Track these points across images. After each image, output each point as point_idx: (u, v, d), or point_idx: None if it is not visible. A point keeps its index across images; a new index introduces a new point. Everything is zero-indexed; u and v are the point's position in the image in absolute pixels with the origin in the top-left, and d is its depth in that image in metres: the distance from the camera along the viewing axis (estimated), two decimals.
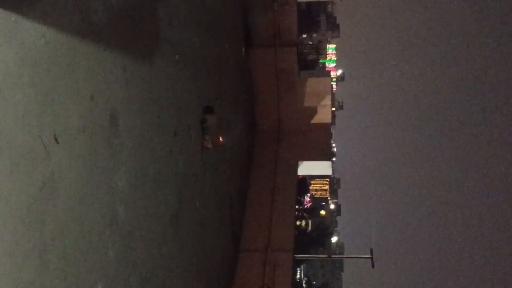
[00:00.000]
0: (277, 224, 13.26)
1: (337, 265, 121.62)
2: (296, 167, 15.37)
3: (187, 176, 8.39)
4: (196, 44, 9.17)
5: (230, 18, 12.73)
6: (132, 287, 5.86)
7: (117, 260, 5.41)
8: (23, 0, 3.77)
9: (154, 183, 6.71)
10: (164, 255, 7.13)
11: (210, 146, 9.39)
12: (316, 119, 15.72)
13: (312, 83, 16.50)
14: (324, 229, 78.54)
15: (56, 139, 4.12)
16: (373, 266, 16.00)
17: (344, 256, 51.46)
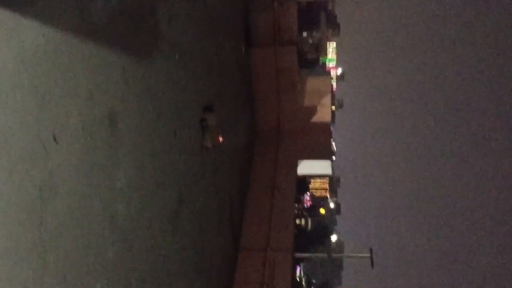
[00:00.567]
0: (277, 223, 13.26)
1: (337, 264, 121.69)
2: (295, 166, 15.36)
3: (186, 176, 8.38)
4: (196, 43, 9.15)
5: (230, 17, 12.71)
6: (131, 287, 5.85)
7: (117, 260, 5.40)
8: None
9: (154, 183, 6.70)
10: (164, 255, 7.12)
11: (209, 145, 9.38)
12: (316, 118, 15.71)
13: (312, 82, 16.49)
14: (323, 228, 78.54)
15: (55, 139, 4.12)
16: (372, 266, 16.01)
17: (344, 255, 51.43)
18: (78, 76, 4.58)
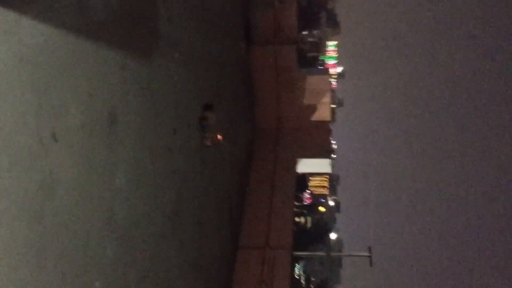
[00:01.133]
0: (276, 221, 13.26)
1: (336, 262, 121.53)
2: (295, 165, 15.37)
3: (186, 174, 8.38)
4: (196, 42, 9.15)
5: (230, 16, 12.70)
6: (130, 285, 5.86)
7: (116, 258, 5.41)
8: None
9: (153, 181, 6.70)
10: (163, 253, 7.13)
11: (209, 143, 9.37)
12: (316, 117, 15.72)
13: (312, 81, 16.49)
14: (323, 226, 78.49)
15: (54, 137, 4.12)
16: (371, 265, 16.02)
17: (343, 254, 51.39)
18: (77, 74, 4.59)
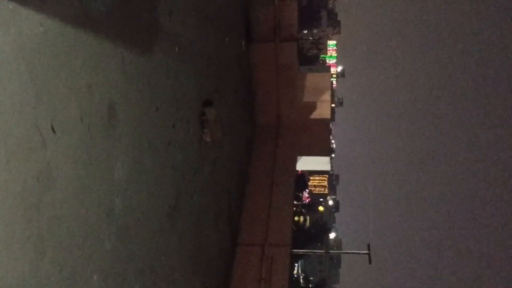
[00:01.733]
0: (275, 219, 13.26)
1: (335, 261, 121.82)
2: (295, 162, 15.36)
3: (185, 169, 8.37)
4: (196, 37, 9.13)
5: (231, 12, 12.68)
6: (128, 279, 5.85)
7: (114, 252, 5.40)
8: None
9: (152, 176, 6.69)
10: (161, 248, 7.12)
11: (208, 139, 9.37)
12: (316, 115, 15.70)
13: (312, 78, 16.48)
14: (322, 225, 78.64)
15: (53, 129, 4.10)
16: (370, 262, 16.01)
17: (342, 251, 51.57)
18: (77, 67, 4.57)
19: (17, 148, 3.65)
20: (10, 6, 3.61)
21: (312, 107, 15.82)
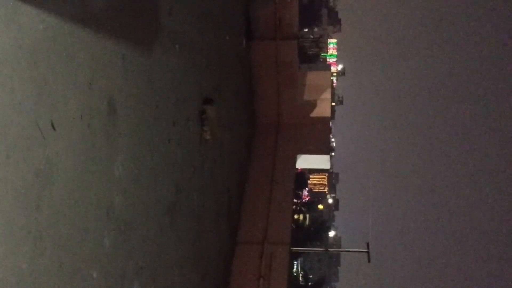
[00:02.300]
0: (275, 217, 13.26)
1: (334, 259, 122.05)
2: (295, 160, 15.36)
3: (185, 167, 8.37)
4: (196, 35, 9.13)
5: (231, 10, 12.68)
6: (127, 277, 5.86)
7: (113, 249, 5.40)
8: None
9: (152, 173, 6.70)
10: (161, 246, 7.13)
11: (208, 137, 9.37)
12: (316, 113, 15.70)
13: (312, 77, 16.49)
14: (321, 224, 78.67)
15: (53, 126, 4.10)
16: (369, 261, 16.04)
17: (341, 249, 51.58)
18: (77, 63, 4.57)
19: (17, 145, 3.65)
20: (11, 3, 3.61)
21: (312, 105, 15.82)
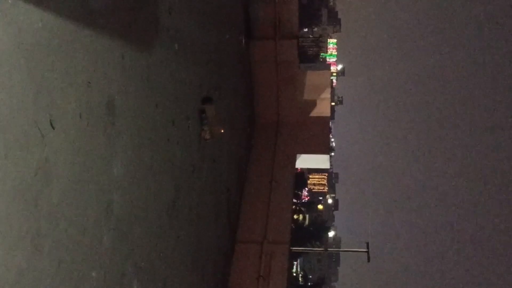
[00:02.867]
0: (274, 216, 13.26)
1: (334, 259, 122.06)
2: (294, 160, 15.36)
3: (184, 166, 8.36)
4: (196, 34, 9.12)
5: (231, 9, 12.67)
6: (127, 276, 5.84)
7: (112, 248, 5.39)
8: None
9: (151, 172, 6.68)
10: (160, 245, 7.12)
11: (208, 137, 9.36)
12: (315, 112, 15.71)
13: (312, 76, 16.49)
14: (321, 224, 78.63)
15: (52, 125, 4.09)
16: (368, 260, 16.04)
17: (340, 249, 51.60)
18: (76, 62, 4.56)
19: (16, 144, 3.64)
20: (10, 1, 3.60)
21: (312, 105, 15.82)
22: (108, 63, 5.28)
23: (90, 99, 4.83)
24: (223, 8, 11.63)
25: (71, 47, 4.46)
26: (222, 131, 10.05)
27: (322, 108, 15.83)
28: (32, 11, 3.86)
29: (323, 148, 16.05)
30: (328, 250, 32.23)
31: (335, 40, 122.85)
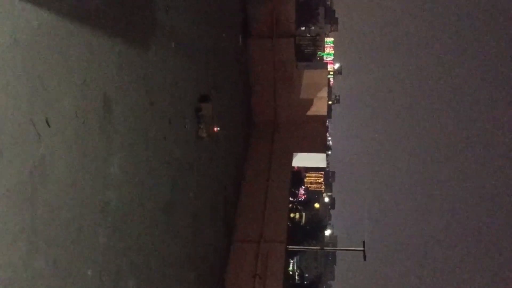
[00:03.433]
0: (271, 215, 13.24)
1: (330, 258, 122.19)
2: (291, 159, 15.35)
3: (181, 165, 8.34)
4: (193, 33, 9.10)
5: (228, 8, 12.66)
6: (122, 274, 5.83)
7: (108, 246, 5.38)
8: None
9: (147, 170, 6.67)
10: (156, 243, 7.10)
11: (204, 135, 9.34)
12: (312, 111, 15.70)
13: (309, 75, 16.47)
14: (318, 222, 78.67)
15: (48, 123, 4.08)
16: (365, 259, 16.02)
17: (337, 248, 51.68)
18: (72, 60, 4.54)
19: (12, 142, 3.63)
20: (7, 0, 3.58)
21: (309, 104, 15.81)
22: (104, 61, 5.26)
23: (86, 97, 4.82)
24: (221, 7, 11.61)
25: (67, 45, 4.45)
26: (219, 129, 10.03)
27: (319, 107, 15.81)
28: (28, 9, 3.85)
29: (320, 146, 16.03)
30: (324, 249, 32.27)
31: (332, 39, 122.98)
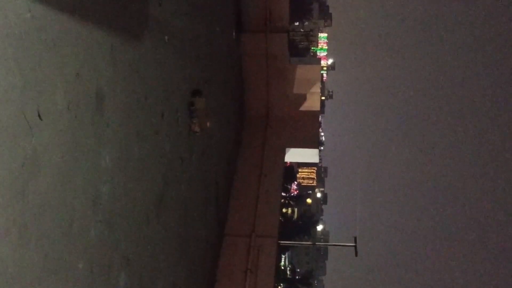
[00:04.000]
0: (263, 210, 13.28)
1: (322, 253, 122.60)
2: (283, 154, 15.38)
3: (173, 159, 8.35)
4: (186, 26, 9.09)
5: (222, 2, 12.63)
6: (114, 268, 5.84)
7: (100, 240, 5.38)
8: None
9: (139, 164, 6.67)
10: (148, 237, 7.11)
11: (197, 129, 9.35)
12: (305, 106, 15.72)
13: (302, 70, 16.47)
14: (310, 217, 78.88)
15: (39, 116, 4.07)
16: (356, 255, 16.12)
17: (328, 244, 51.85)
18: (65, 53, 4.53)
19: (3, 135, 3.62)
20: None
21: (302, 99, 15.83)
22: (97, 55, 5.25)
23: (79, 91, 4.80)
24: (214, 1, 11.59)
25: (60, 38, 4.43)
26: (212, 124, 10.03)
27: (312, 102, 15.84)
28: (20, 1, 3.83)
29: (313, 142, 16.06)
30: (316, 244, 32.39)
31: (326, 34, 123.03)
